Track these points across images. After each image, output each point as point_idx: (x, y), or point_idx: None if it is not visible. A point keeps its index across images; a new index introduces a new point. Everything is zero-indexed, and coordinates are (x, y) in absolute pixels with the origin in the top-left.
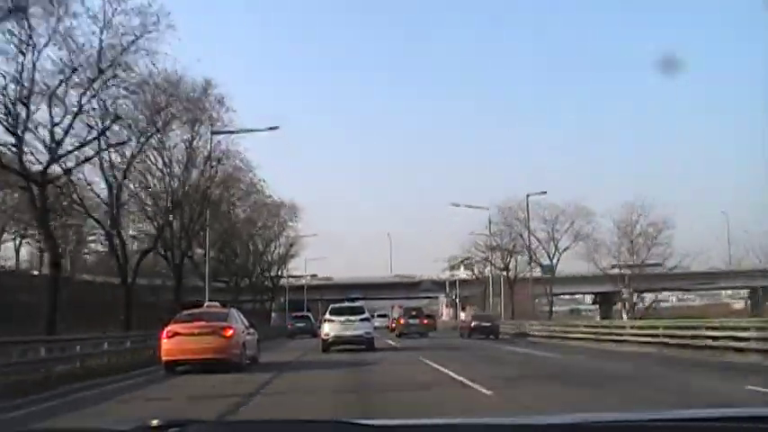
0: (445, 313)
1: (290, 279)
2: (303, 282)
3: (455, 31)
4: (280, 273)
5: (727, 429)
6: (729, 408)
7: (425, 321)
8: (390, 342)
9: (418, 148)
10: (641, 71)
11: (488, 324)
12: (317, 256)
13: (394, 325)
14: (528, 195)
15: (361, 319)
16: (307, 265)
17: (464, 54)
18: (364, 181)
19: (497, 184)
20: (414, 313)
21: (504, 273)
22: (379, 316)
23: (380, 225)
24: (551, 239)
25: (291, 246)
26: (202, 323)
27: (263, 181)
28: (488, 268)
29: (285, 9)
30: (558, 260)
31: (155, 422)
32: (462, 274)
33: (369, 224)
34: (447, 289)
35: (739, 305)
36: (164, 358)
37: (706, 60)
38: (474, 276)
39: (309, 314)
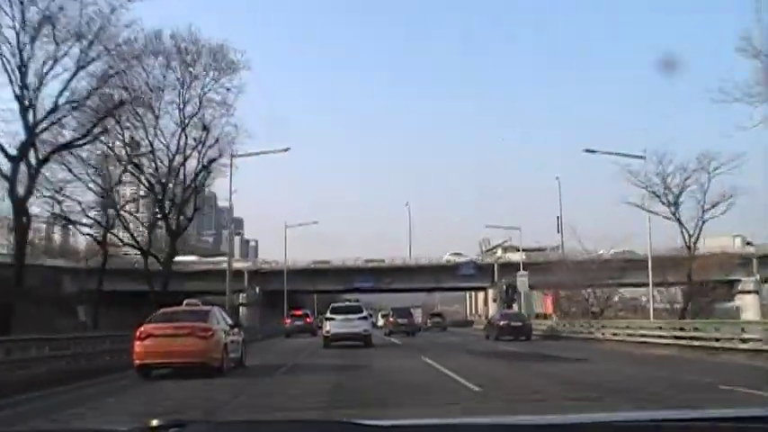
0: (492, 309)
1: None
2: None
3: (455, 30)
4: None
5: (728, 429)
6: (729, 408)
7: (413, 321)
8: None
9: (418, 147)
10: (641, 71)
11: (519, 324)
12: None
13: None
14: None
15: (360, 318)
16: (290, 247)
17: (464, 54)
18: (364, 180)
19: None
20: (402, 313)
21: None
22: (383, 316)
23: (380, 225)
24: None
25: (210, 136)
26: (179, 323)
27: None
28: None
29: (285, 9)
30: None
31: (155, 422)
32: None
33: (368, 224)
34: (495, 276)
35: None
36: (136, 362)
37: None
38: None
39: (308, 311)
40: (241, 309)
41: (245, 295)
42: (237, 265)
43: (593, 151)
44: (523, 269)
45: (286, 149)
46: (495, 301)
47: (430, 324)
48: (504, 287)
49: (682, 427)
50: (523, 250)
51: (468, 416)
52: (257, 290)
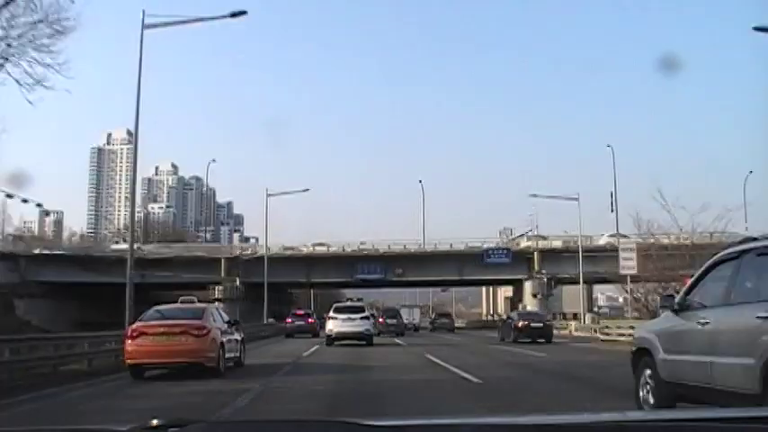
0: (531, 307)
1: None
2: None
3: (456, 31)
4: None
5: (727, 429)
6: (730, 408)
7: (402, 322)
8: None
9: (418, 147)
10: (641, 71)
11: (540, 325)
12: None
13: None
14: None
15: (362, 317)
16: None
17: (464, 54)
18: (365, 180)
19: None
20: (391, 314)
21: None
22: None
23: (382, 224)
24: None
25: None
26: (172, 321)
27: None
28: None
29: (285, 9)
30: None
31: (155, 422)
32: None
33: (369, 223)
34: (536, 265)
35: None
36: (128, 362)
37: (708, 60)
38: None
39: (309, 311)
40: (218, 305)
41: (221, 288)
42: (210, 252)
43: (766, 29)
44: (556, 259)
45: (240, 13)
46: (535, 296)
47: (436, 325)
48: (546, 279)
49: (681, 427)
50: (543, 238)
51: (468, 416)
52: (237, 282)
